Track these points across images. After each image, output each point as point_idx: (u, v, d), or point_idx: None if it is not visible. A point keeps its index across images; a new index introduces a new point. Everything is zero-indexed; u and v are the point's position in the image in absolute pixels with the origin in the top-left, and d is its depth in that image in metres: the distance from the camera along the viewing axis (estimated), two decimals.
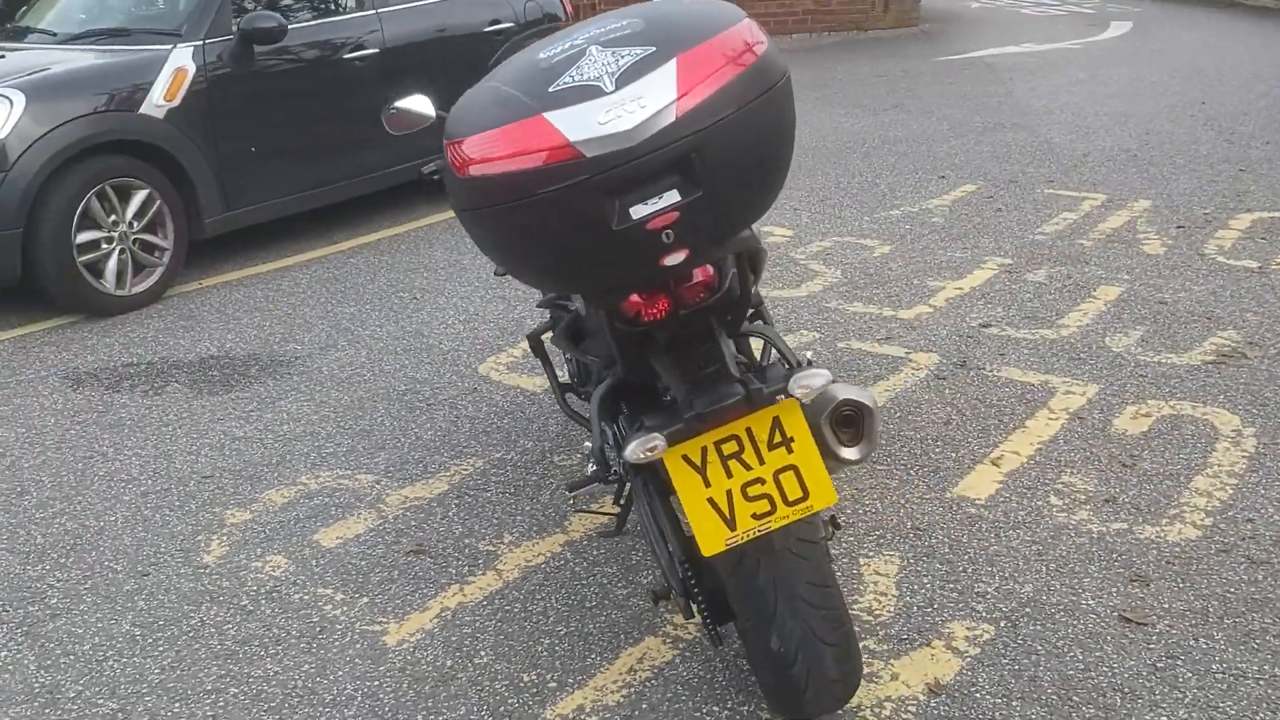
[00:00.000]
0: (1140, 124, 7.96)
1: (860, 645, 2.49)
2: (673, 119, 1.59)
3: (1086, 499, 3.13)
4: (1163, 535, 2.94)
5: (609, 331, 1.98)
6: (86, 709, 2.47)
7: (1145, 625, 2.58)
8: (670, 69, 1.62)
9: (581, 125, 1.60)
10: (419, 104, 2.89)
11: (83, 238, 4.77)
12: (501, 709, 2.42)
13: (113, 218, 4.89)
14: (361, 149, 5.83)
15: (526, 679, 2.51)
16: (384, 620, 2.74)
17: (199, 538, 3.13)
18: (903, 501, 3.16)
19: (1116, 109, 8.58)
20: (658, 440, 1.87)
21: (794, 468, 1.93)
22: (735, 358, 2.03)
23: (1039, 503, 3.12)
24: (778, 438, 1.94)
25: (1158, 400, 3.68)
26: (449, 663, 2.57)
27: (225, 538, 3.12)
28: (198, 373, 4.29)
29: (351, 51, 5.69)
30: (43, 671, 2.60)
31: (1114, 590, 2.72)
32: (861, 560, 2.90)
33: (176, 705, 2.47)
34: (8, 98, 4.58)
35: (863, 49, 12.75)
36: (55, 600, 2.87)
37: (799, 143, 7.83)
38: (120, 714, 2.45)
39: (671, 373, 2.03)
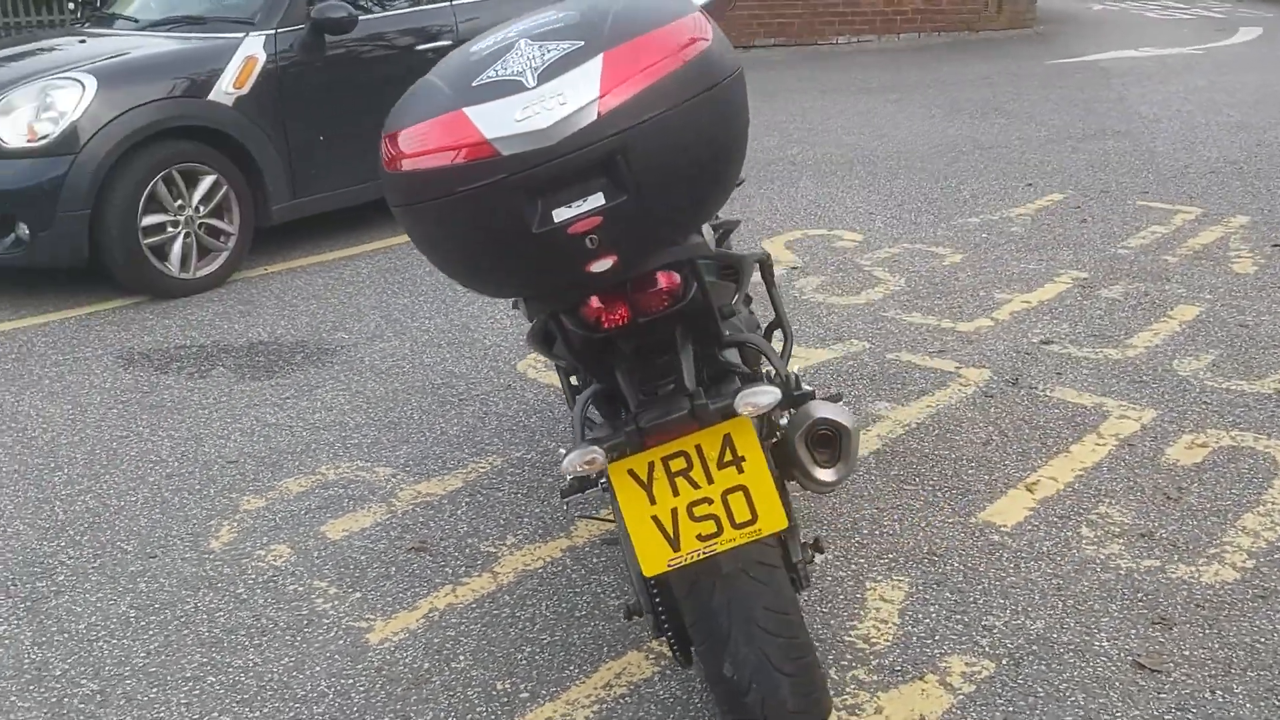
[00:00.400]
0: (1254, 135, 7.56)
1: (830, 673, 2.39)
2: (594, 118, 1.51)
3: (1120, 532, 2.94)
4: (1197, 576, 2.74)
5: (560, 337, 1.91)
6: (69, 688, 2.50)
7: (1159, 672, 2.41)
8: (595, 65, 1.54)
9: (499, 122, 1.53)
10: None
11: (149, 221, 4.88)
12: (469, 717, 2.37)
13: (179, 202, 4.99)
14: None
15: (500, 687, 2.45)
16: (371, 617, 2.71)
17: (211, 523, 3.15)
18: (923, 524, 3.02)
19: (1231, 119, 8.17)
20: (596, 454, 1.80)
21: (744, 489, 1.84)
22: (694, 371, 1.94)
23: (1068, 533, 2.95)
24: (728, 456, 1.84)
25: (1218, 430, 3.46)
26: (426, 665, 2.53)
27: (236, 524, 3.14)
28: (244, 358, 4.35)
29: (425, 43, 5.70)
30: (36, 648, 2.64)
31: (1132, 632, 2.55)
32: (868, 584, 2.77)
33: (154, 690, 2.48)
34: (80, 82, 4.71)
35: (972, 50, 12.41)
36: (62, 577, 2.92)
37: (885, 146, 7.64)
38: (99, 695, 2.47)
39: (627, 383, 1.95)
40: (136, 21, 5.64)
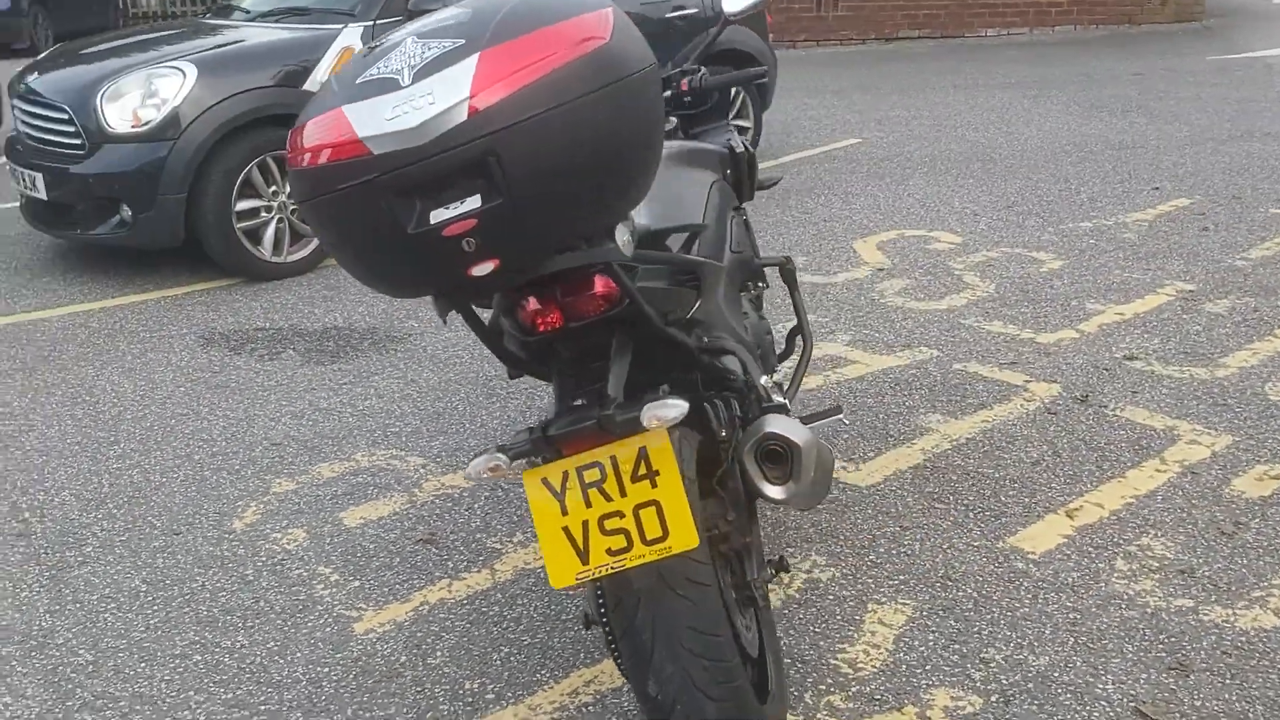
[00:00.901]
0: None
1: (804, 697, 2.25)
2: (463, 118, 1.46)
3: (1159, 567, 2.73)
4: (1231, 620, 2.52)
5: (476, 335, 1.87)
6: (67, 657, 2.59)
7: None
8: (469, 65, 1.48)
9: (371, 120, 1.49)
10: None
11: (243, 205, 5.04)
12: (430, 714, 2.35)
13: (273, 188, 5.14)
14: None
15: (468, 687, 2.43)
16: (363, 607, 2.73)
17: (239, 503, 3.24)
18: (945, 546, 2.86)
19: None
20: (499, 460, 1.75)
21: (656, 504, 1.76)
22: (623, 379, 1.86)
23: (1100, 565, 2.75)
24: (643, 470, 1.77)
25: None
26: (403, 659, 2.54)
27: (261, 506, 3.21)
28: (315, 342, 4.46)
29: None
30: (48, 615, 2.75)
31: (1143, 677, 2.36)
32: (870, 606, 2.64)
33: (142, 665, 2.55)
34: (181, 70, 4.90)
35: (1130, 45, 11.79)
36: (90, 549, 3.03)
37: (1011, 144, 7.33)
38: (91, 666, 2.56)
39: (557, 388, 1.90)
40: (248, 12, 5.84)
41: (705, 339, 2.20)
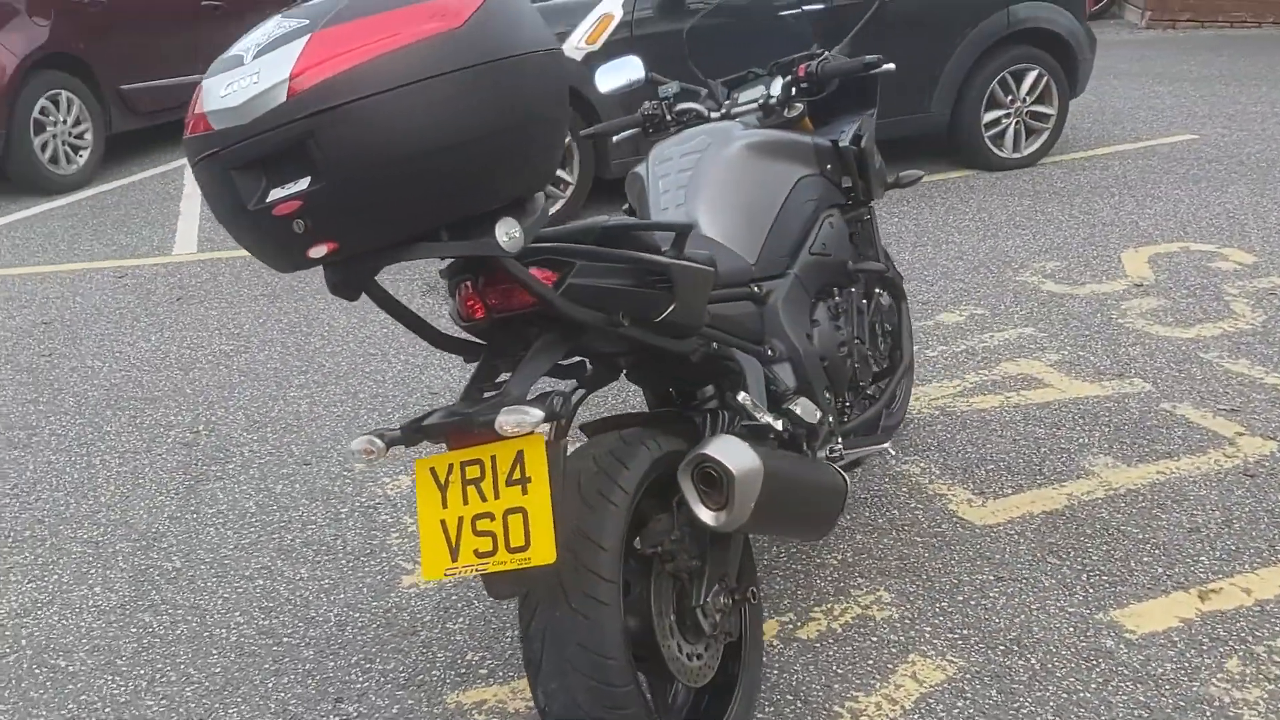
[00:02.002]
0: None
1: None
2: (282, 99, 1.43)
3: (1278, 677, 2.29)
4: None
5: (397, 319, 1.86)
6: (160, 561, 2.87)
7: None
8: (299, 45, 1.44)
9: (213, 96, 1.49)
10: (630, 65, 2.88)
11: None
12: (420, 678, 2.40)
13: None
14: None
15: (468, 658, 2.45)
16: (416, 564, 2.82)
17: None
18: (1035, 607, 2.54)
19: None
20: (372, 443, 1.73)
21: (523, 511, 1.67)
22: (533, 378, 1.79)
23: (1206, 660, 2.34)
24: (517, 474, 1.69)
25: None
26: (427, 619, 2.59)
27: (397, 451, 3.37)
28: None
29: (788, 7, 5.56)
30: (167, 520, 3.05)
31: None
32: (911, 657, 2.40)
33: (213, 580, 2.78)
34: None
35: None
36: (233, 466, 3.32)
37: None
38: (174, 572, 2.82)
39: (471, 377, 1.86)
40: None
41: (708, 347, 2.07)
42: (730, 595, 2.04)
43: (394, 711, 2.31)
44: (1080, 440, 3.27)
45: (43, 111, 6.76)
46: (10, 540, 3.00)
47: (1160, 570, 2.65)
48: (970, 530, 2.85)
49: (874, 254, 2.82)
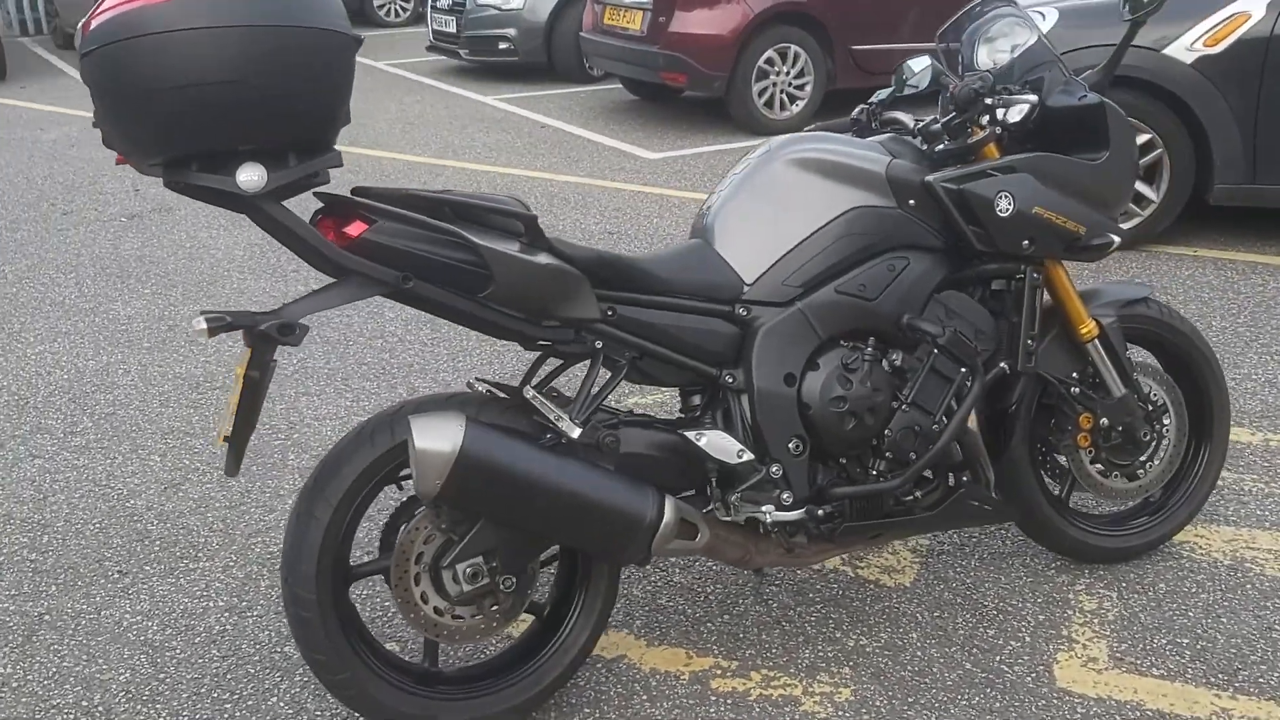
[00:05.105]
0: None
1: None
2: (85, 32, 1.73)
3: None
4: None
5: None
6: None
7: None
8: None
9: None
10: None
11: None
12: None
13: None
14: None
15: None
16: None
17: None
18: (997, 640, 1.96)
19: None
20: (201, 323, 1.94)
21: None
22: None
23: None
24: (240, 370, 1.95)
25: None
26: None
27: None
28: None
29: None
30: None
31: None
32: (820, 676, 2.04)
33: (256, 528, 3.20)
34: (1042, 13, 4.77)
35: None
36: None
37: None
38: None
39: None
40: None
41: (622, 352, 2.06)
42: (490, 575, 2.02)
43: None
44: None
45: (768, 61, 7.55)
46: None
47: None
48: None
49: (1019, 328, 2.30)
